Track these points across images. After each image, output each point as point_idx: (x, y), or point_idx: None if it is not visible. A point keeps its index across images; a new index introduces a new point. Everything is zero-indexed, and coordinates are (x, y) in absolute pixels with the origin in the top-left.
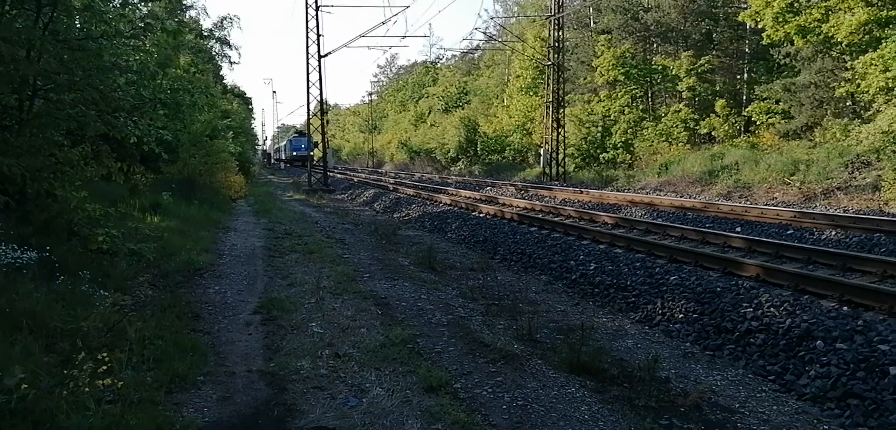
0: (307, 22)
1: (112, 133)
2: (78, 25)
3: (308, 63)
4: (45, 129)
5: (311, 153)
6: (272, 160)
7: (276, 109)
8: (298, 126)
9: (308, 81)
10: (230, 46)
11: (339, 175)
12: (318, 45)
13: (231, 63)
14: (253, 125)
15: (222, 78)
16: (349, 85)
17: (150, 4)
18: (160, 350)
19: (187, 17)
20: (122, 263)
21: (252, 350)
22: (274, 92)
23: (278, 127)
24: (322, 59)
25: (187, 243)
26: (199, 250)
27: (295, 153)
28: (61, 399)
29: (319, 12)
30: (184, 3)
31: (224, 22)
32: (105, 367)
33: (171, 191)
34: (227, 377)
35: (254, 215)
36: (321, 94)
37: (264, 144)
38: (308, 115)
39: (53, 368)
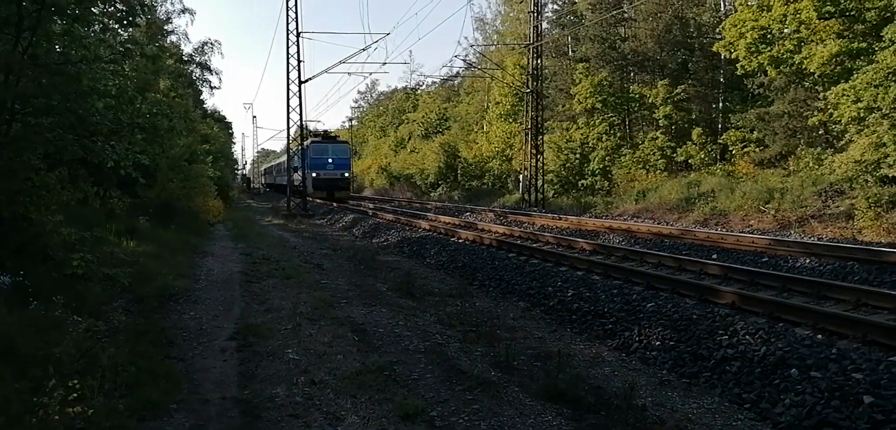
0: (288, 48)
1: (89, 157)
2: (57, 50)
3: (288, 89)
4: (23, 152)
5: (346, 174)
6: (252, 185)
7: (256, 133)
8: (279, 149)
9: (288, 106)
10: (211, 71)
11: (318, 200)
12: (299, 70)
13: (211, 88)
14: (233, 150)
15: (202, 102)
16: (330, 110)
17: (130, 30)
18: (133, 377)
19: (168, 41)
20: (97, 288)
21: (226, 377)
22: (254, 117)
23: (258, 152)
24: (303, 85)
25: (163, 268)
26: (175, 275)
27: (318, 174)
28: (31, 427)
29: (300, 38)
30: (164, 28)
31: (205, 47)
32: (76, 394)
33: (149, 215)
34: (201, 404)
35: (232, 240)
36: (301, 119)
37: (244, 168)
38: (288, 140)
39: (24, 395)
